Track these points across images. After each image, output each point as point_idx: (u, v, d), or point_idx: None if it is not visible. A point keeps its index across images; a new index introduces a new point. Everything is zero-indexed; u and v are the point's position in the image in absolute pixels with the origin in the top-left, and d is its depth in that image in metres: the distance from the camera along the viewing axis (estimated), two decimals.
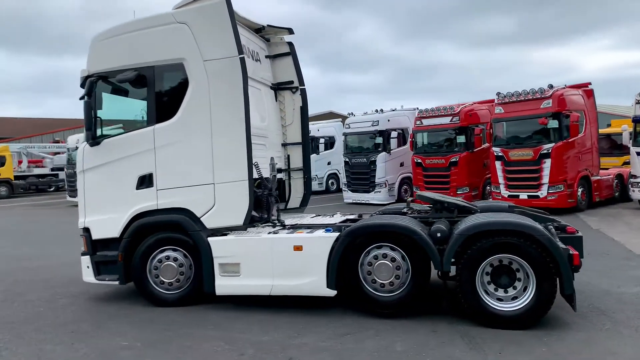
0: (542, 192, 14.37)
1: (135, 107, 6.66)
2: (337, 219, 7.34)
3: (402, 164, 18.98)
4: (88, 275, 6.75)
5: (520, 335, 5.09)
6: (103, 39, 6.66)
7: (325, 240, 5.87)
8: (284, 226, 6.76)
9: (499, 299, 5.44)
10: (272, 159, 7.73)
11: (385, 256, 5.73)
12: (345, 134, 20.21)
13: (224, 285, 6.18)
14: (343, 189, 20.29)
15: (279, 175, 8.21)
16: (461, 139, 16.65)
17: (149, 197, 6.44)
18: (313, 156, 24.92)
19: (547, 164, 14.24)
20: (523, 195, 14.86)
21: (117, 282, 6.58)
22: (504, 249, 5.35)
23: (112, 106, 6.84)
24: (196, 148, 6.29)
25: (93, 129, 6.55)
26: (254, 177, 6.89)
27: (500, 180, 15.30)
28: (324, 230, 6.16)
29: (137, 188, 6.48)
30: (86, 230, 6.71)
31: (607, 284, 6.90)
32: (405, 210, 6.77)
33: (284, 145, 8.36)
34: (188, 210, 6.32)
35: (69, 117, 46.89)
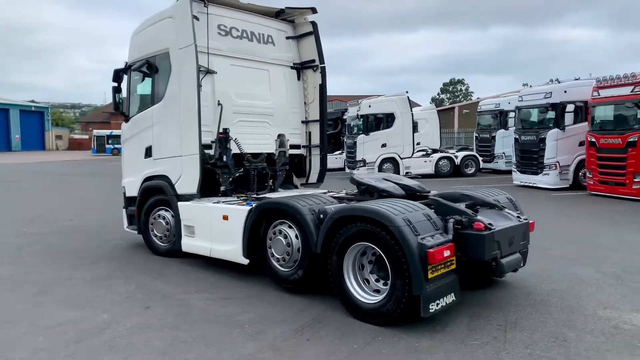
0: None
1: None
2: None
3: (581, 144, 16.21)
4: (125, 224, 8.57)
5: (365, 332, 4.77)
6: (133, 34, 8.18)
7: (240, 213, 6.28)
8: (247, 197, 7.27)
9: (377, 291, 5.10)
10: (281, 135, 8.21)
11: (280, 232, 5.87)
12: (517, 108, 18.18)
13: (186, 243, 7.17)
14: (512, 169, 18.39)
15: (298, 151, 8.64)
16: None
17: (150, 165, 7.79)
18: (501, 132, 23.28)
19: None
20: None
21: (136, 232, 8.19)
22: (369, 238, 4.96)
23: (143, 89, 8.36)
24: (173, 124, 7.32)
25: (121, 109, 8.21)
26: (238, 152, 7.63)
27: None
28: (246, 203, 6.54)
29: (145, 157, 7.89)
30: (123, 188, 8.49)
31: (600, 302, 5.50)
32: (347, 191, 6.66)
33: (305, 122, 8.69)
34: (168, 177, 7.46)
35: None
